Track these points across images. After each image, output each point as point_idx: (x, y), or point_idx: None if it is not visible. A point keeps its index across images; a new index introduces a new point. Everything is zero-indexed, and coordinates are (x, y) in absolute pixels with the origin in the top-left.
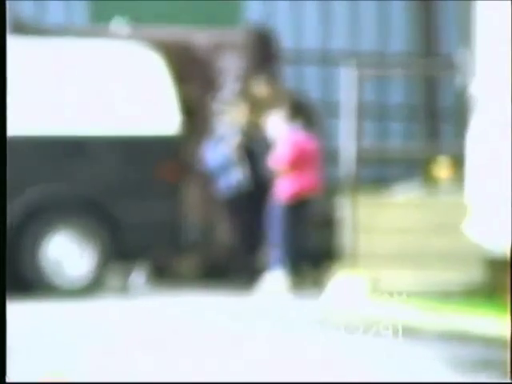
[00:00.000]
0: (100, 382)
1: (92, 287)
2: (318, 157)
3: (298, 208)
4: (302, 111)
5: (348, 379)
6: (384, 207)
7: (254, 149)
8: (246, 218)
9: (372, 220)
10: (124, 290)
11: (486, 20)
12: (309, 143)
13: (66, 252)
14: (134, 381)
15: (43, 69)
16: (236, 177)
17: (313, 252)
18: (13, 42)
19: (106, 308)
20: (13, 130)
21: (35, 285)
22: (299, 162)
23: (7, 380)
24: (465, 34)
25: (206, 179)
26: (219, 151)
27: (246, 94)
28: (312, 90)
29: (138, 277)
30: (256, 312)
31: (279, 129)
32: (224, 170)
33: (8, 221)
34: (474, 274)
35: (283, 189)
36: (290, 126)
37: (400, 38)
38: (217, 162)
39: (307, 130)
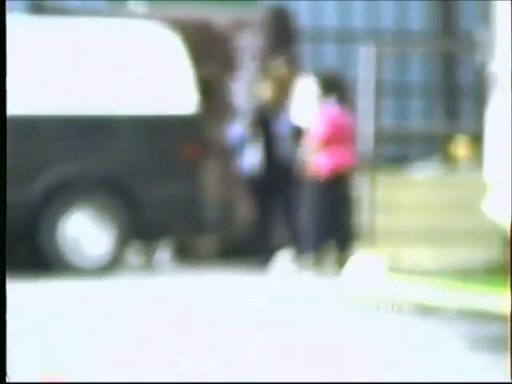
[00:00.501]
0: (100, 382)
1: (112, 266)
2: (353, 132)
3: (336, 184)
4: (335, 87)
5: (367, 358)
6: (403, 186)
7: (273, 128)
8: (263, 197)
9: (391, 199)
10: (144, 268)
11: None
12: (344, 119)
13: (85, 231)
14: (136, 379)
15: (62, 48)
16: (251, 156)
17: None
18: (33, 22)
19: (126, 287)
20: (32, 108)
21: (55, 263)
22: (336, 137)
23: (7, 380)
24: (484, 12)
25: (226, 158)
26: (237, 130)
27: (265, 73)
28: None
29: (158, 255)
30: (275, 291)
31: (312, 105)
32: (241, 149)
33: (28, 199)
34: (494, 252)
35: (321, 165)
36: (324, 101)
37: (419, 16)
38: (235, 141)
39: (341, 105)
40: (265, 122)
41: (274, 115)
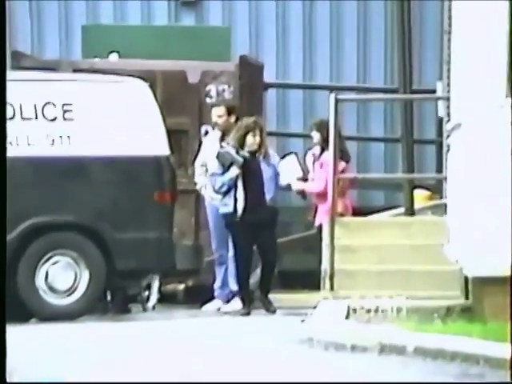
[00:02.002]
0: (100, 382)
1: (87, 311)
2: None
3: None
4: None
5: None
6: (364, 228)
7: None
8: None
9: (351, 241)
10: (119, 313)
11: (462, 52)
12: (345, 169)
13: (60, 277)
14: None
15: (38, 98)
16: (236, 200)
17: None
18: (11, 75)
19: (101, 331)
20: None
21: (32, 309)
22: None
23: (7, 380)
24: (444, 67)
25: (198, 203)
26: (223, 176)
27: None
28: (296, 116)
29: (133, 300)
30: (243, 332)
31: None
32: (227, 194)
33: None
34: (454, 295)
35: (323, 212)
36: (324, 150)
37: (380, 73)
38: (220, 186)
39: (341, 155)
40: (249, 168)
41: (256, 161)
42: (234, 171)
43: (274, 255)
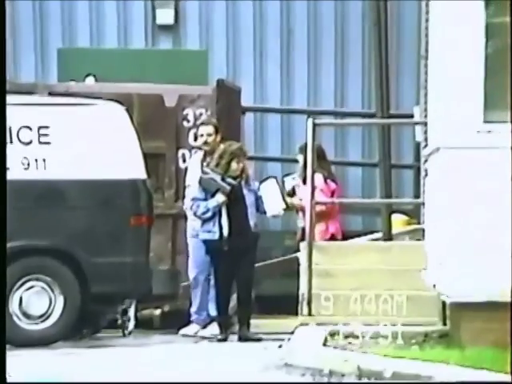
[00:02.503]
0: (100, 382)
1: (63, 336)
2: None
3: None
4: (325, 160)
5: None
6: (342, 252)
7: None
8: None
9: (330, 265)
10: (93, 337)
11: (438, 77)
12: (336, 190)
13: (36, 302)
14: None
15: (14, 122)
16: (220, 225)
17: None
18: None
19: (76, 356)
20: None
21: (7, 335)
22: (332, 208)
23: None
24: (421, 92)
25: (175, 227)
26: (208, 201)
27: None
28: (274, 140)
29: (108, 324)
30: (219, 357)
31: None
32: (212, 219)
33: None
34: (432, 320)
35: (320, 233)
36: (319, 174)
37: (357, 98)
38: (205, 211)
39: (329, 177)
40: (233, 194)
41: (239, 186)
42: (221, 198)
43: (251, 281)
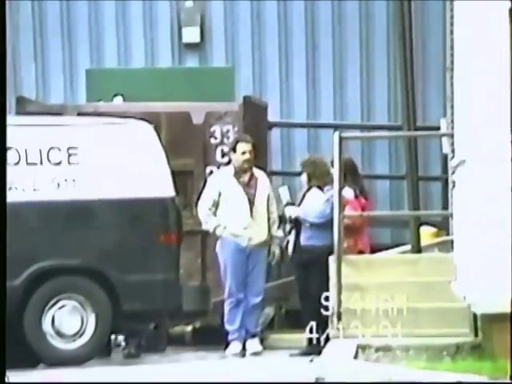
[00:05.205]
0: (100, 382)
1: (95, 355)
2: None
3: None
4: (357, 175)
5: None
6: (371, 265)
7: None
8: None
9: (359, 278)
10: (126, 356)
11: (464, 89)
12: (366, 206)
13: (68, 320)
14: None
15: (43, 143)
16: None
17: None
18: (16, 121)
19: (109, 375)
20: (13, 196)
21: (39, 354)
22: (360, 223)
23: (7, 380)
24: (447, 104)
25: (204, 243)
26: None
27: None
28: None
29: (139, 343)
30: (252, 372)
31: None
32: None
33: (11, 291)
34: (463, 332)
35: (349, 248)
36: (350, 189)
37: (383, 111)
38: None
39: (361, 193)
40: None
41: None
42: None
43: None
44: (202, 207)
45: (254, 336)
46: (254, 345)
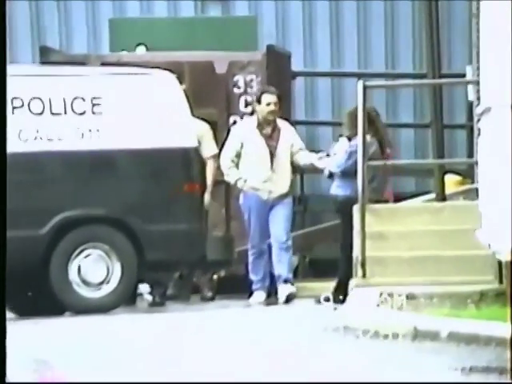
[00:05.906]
0: (100, 382)
1: (120, 303)
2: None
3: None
4: (379, 124)
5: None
6: (395, 214)
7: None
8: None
9: (382, 227)
10: (151, 305)
11: (490, 35)
12: (389, 155)
13: (92, 270)
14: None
15: (67, 93)
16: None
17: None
18: (40, 70)
19: (134, 324)
20: (36, 146)
21: (65, 302)
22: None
23: (7, 380)
24: (473, 51)
25: (228, 193)
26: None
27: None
28: (324, 104)
29: (164, 292)
30: (276, 322)
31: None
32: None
33: (35, 241)
34: (488, 279)
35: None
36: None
37: (408, 59)
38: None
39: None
40: None
41: None
42: None
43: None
44: (225, 158)
45: (286, 281)
46: (287, 288)
